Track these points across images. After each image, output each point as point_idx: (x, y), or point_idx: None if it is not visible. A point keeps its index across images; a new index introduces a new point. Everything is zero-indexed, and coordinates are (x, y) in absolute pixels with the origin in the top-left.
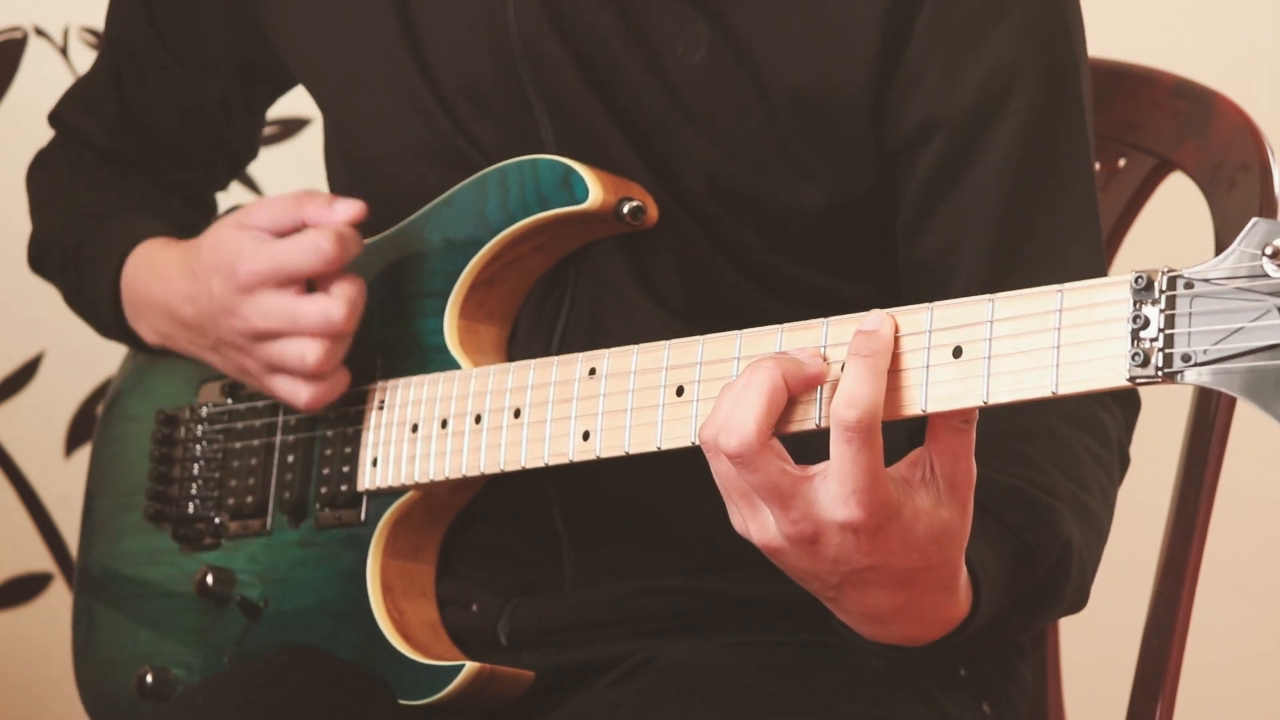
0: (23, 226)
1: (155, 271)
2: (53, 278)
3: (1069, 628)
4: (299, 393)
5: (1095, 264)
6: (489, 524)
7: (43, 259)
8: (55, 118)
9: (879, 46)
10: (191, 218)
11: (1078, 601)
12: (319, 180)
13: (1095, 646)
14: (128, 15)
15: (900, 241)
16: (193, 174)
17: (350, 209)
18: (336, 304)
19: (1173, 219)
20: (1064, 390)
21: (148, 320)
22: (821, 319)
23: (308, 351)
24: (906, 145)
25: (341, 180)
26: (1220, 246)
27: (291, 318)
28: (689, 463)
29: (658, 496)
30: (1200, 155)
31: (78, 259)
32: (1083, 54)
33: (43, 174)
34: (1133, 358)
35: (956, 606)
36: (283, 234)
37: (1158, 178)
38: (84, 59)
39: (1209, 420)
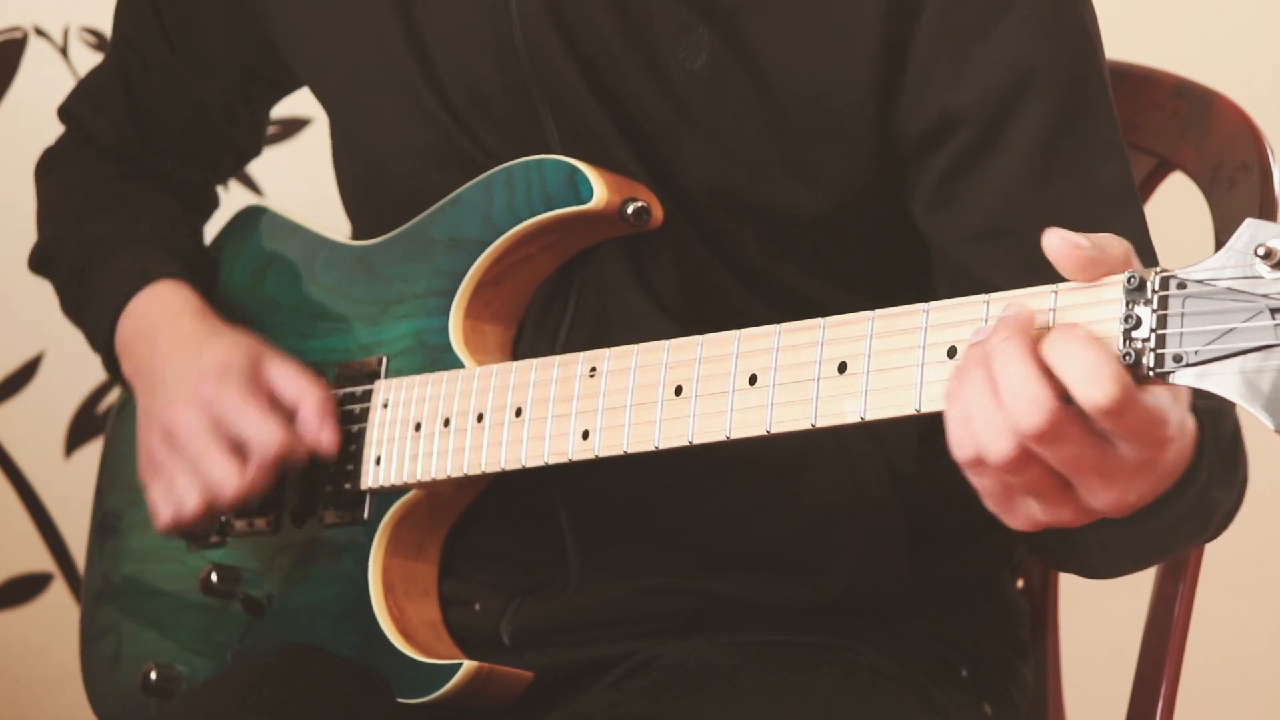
0: (22, 227)
1: (169, 323)
2: (54, 284)
3: (1069, 628)
4: (159, 515)
5: (1144, 242)
6: (494, 525)
7: (46, 267)
8: (64, 112)
9: (881, 44)
10: (197, 227)
11: (1235, 504)
12: (318, 180)
13: (1095, 646)
14: (135, 13)
15: (928, 237)
16: (197, 171)
17: (326, 444)
18: (237, 482)
19: (1173, 219)
20: None
21: (134, 352)
22: (819, 319)
23: (187, 500)
24: (923, 145)
25: (349, 182)
26: (1220, 247)
27: (198, 455)
28: (694, 464)
29: (662, 497)
30: (1200, 155)
31: (84, 279)
32: (1096, 34)
33: (52, 180)
34: (1124, 358)
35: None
36: (275, 398)
37: (1158, 178)
38: (84, 59)
39: None
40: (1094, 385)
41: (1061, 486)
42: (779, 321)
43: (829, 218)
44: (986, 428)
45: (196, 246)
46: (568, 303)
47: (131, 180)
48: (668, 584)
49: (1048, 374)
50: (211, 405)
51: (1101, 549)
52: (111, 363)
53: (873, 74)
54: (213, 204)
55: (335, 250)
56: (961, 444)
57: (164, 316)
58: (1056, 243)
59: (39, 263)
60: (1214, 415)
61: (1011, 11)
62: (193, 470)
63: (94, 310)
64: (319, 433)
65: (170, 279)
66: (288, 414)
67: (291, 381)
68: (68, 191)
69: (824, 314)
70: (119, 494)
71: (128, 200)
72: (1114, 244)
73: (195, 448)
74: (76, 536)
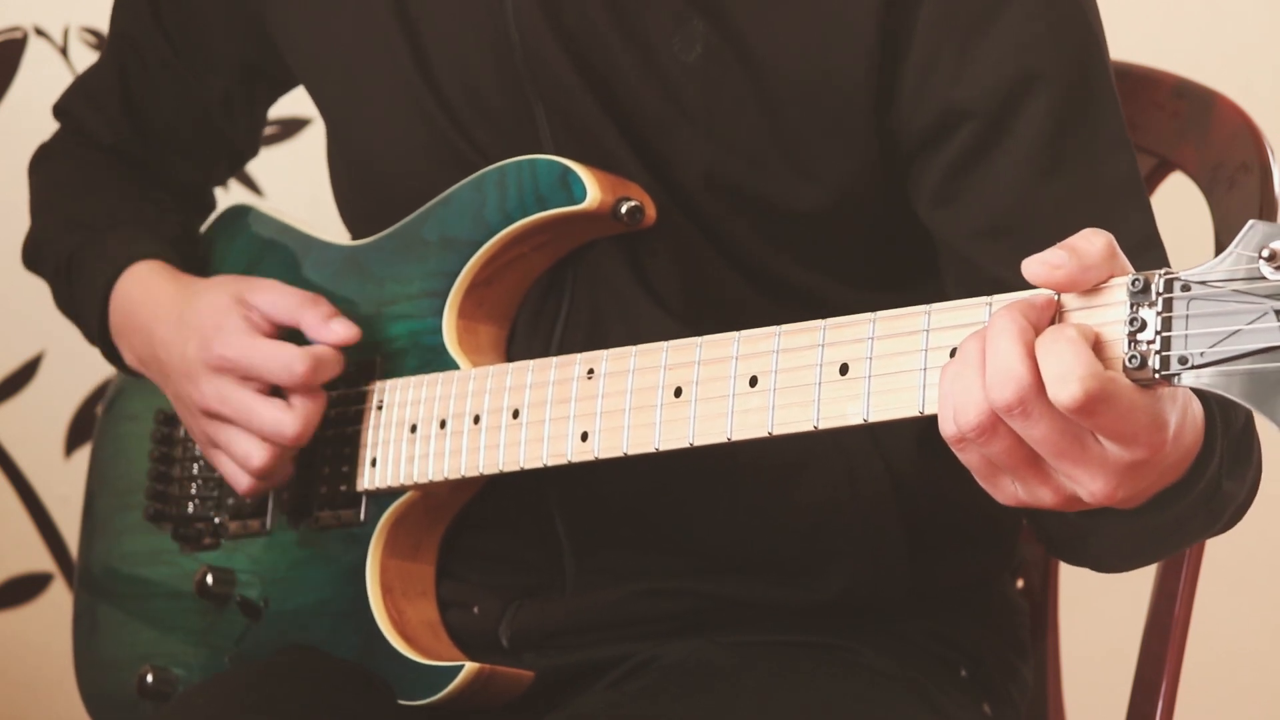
0: (23, 227)
1: (148, 298)
2: (46, 279)
3: (1069, 628)
4: (239, 481)
5: (1151, 232)
6: (490, 527)
7: (37, 260)
8: (60, 110)
9: (878, 35)
10: (190, 218)
11: (1249, 496)
12: (318, 180)
13: (1095, 645)
14: (133, 11)
15: (934, 232)
16: (195, 170)
17: (344, 333)
18: (291, 420)
19: (1173, 219)
20: None
21: (129, 343)
22: (820, 320)
23: (253, 453)
24: (926, 140)
25: (343, 182)
26: (1220, 247)
27: (245, 414)
28: (689, 465)
29: (658, 499)
30: (1200, 155)
31: (70, 269)
32: (1099, 26)
33: (44, 170)
34: (1130, 360)
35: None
36: (276, 326)
37: (1158, 178)
38: (84, 59)
39: None
40: (1061, 385)
41: (1032, 463)
42: (781, 318)
43: (829, 212)
44: (965, 393)
45: (181, 229)
46: (561, 300)
47: (122, 172)
48: (665, 586)
49: (1034, 358)
50: (225, 364)
51: (1109, 540)
52: (113, 356)
53: (870, 65)
54: (210, 206)
55: (325, 250)
56: (944, 413)
57: (144, 302)
58: (1036, 270)
59: (30, 257)
60: (1224, 407)
61: (1012, 5)
62: (247, 429)
63: (84, 306)
64: (331, 334)
65: (145, 260)
66: (294, 333)
67: (281, 302)
68: (56, 180)
69: (827, 311)
70: (109, 496)
71: (113, 186)
72: (1091, 243)
73: (237, 407)
74: (76, 536)
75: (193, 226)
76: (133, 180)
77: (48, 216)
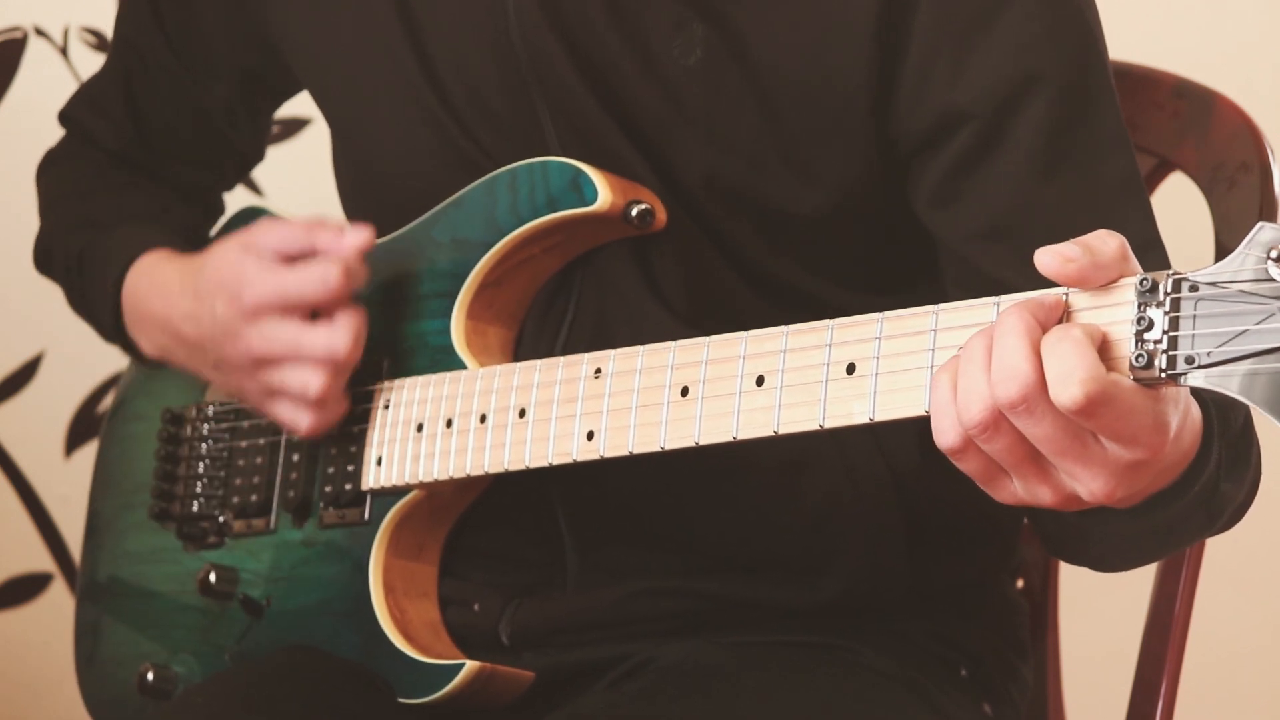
0: (22, 227)
1: (156, 287)
2: (57, 280)
3: (1069, 628)
4: (300, 420)
5: (1152, 233)
6: (492, 525)
7: (47, 262)
8: (65, 117)
9: (876, 38)
10: (197, 221)
11: (1248, 497)
12: (319, 180)
13: (1095, 645)
14: (135, 17)
15: (934, 233)
16: (202, 175)
17: (359, 237)
18: (341, 335)
19: (1173, 219)
20: None
21: (146, 334)
22: (827, 320)
23: (311, 380)
24: (925, 142)
25: (349, 184)
26: (1220, 247)
27: (295, 346)
28: (692, 465)
29: (660, 499)
30: (1200, 155)
31: (80, 267)
32: (1097, 25)
33: (51, 174)
34: (1136, 359)
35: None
36: (289, 259)
37: (1158, 178)
38: (84, 59)
39: None
40: (1062, 386)
41: (1034, 460)
42: (782, 320)
43: (829, 215)
44: (969, 390)
45: (188, 221)
46: (569, 302)
47: (129, 174)
48: (666, 585)
49: (1040, 356)
50: (262, 305)
51: (1108, 540)
52: (132, 350)
53: (868, 67)
54: (218, 209)
55: None
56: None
57: (153, 291)
58: (1048, 261)
59: (41, 259)
60: (1222, 409)
61: (1010, 6)
62: (299, 360)
63: (96, 303)
64: (348, 240)
65: (150, 250)
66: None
67: (289, 234)
68: (62, 183)
69: (828, 313)
70: (113, 496)
71: (120, 185)
72: (1105, 242)
73: (285, 341)
74: (76, 536)
75: (201, 225)
76: (139, 180)
77: (56, 218)
